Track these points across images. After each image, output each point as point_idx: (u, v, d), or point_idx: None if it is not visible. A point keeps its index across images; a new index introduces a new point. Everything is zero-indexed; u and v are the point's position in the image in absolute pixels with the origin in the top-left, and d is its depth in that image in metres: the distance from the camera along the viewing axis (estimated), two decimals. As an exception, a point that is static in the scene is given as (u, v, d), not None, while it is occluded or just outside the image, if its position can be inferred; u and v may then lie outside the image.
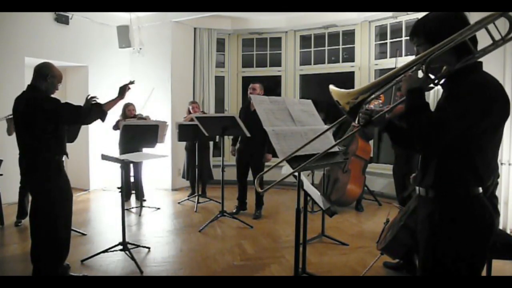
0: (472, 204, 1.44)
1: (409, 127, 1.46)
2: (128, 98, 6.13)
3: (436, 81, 1.48)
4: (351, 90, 1.54)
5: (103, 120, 2.99)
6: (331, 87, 1.60)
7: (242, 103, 6.92)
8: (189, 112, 5.98)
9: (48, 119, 2.77)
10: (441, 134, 1.36)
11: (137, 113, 5.90)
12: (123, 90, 3.11)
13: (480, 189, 1.45)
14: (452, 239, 1.43)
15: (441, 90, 1.59)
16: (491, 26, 1.38)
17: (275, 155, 2.60)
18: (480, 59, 1.46)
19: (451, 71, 1.45)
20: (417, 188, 1.60)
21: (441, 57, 1.43)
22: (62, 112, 2.83)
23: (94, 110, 2.93)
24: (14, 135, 4.42)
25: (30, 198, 4.50)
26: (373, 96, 1.51)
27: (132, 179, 5.91)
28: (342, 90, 1.56)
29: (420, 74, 1.50)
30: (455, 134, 1.37)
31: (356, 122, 1.65)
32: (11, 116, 4.34)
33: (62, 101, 2.92)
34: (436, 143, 1.40)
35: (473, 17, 1.44)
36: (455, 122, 1.35)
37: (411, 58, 1.53)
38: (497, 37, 1.39)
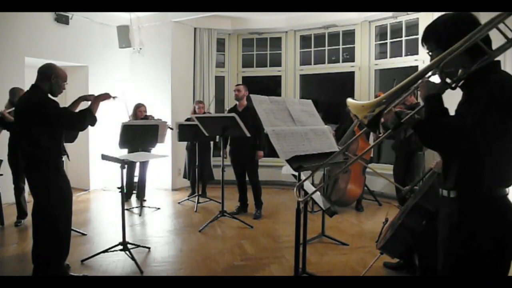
0: (492, 205, 1.42)
1: (430, 134, 1.42)
2: (137, 99, 6.17)
3: (453, 85, 1.44)
4: (366, 102, 1.49)
5: (93, 125, 3.04)
6: (349, 100, 1.57)
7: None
8: (195, 112, 5.90)
9: (47, 123, 2.80)
10: (464, 140, 1.33)
11: (148, 114, 5.88)
12: (97, 98, 3.08)
13: (507, 190, 1.43)
14: (471, 239, 1.41)
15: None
16: (502, 25, 1.33)
17: (272, 154, 2.60)
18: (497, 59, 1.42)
19: (467, 74, 1.41)
20: (440, 189, 1.58)
21: (455, 60, 1.39)
22: (61, 119, 2.87)
23: (89, 117, 2.97)
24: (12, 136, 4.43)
25: (26, 197, 4.54)
26: (391, 106, 1.48)
27: (136, 179, 5.90)
28: (358, 103, 1.52)
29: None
30: (479, 137, 1.32)
31: (381, 130, 1.59)
32: None
33: (63, 100, 2.92)
34: (460, 149, 1.37)
35: (483, 17, 1.41)
36: (477, 127, 1.31)
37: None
38: (510, 35, 1.35)
